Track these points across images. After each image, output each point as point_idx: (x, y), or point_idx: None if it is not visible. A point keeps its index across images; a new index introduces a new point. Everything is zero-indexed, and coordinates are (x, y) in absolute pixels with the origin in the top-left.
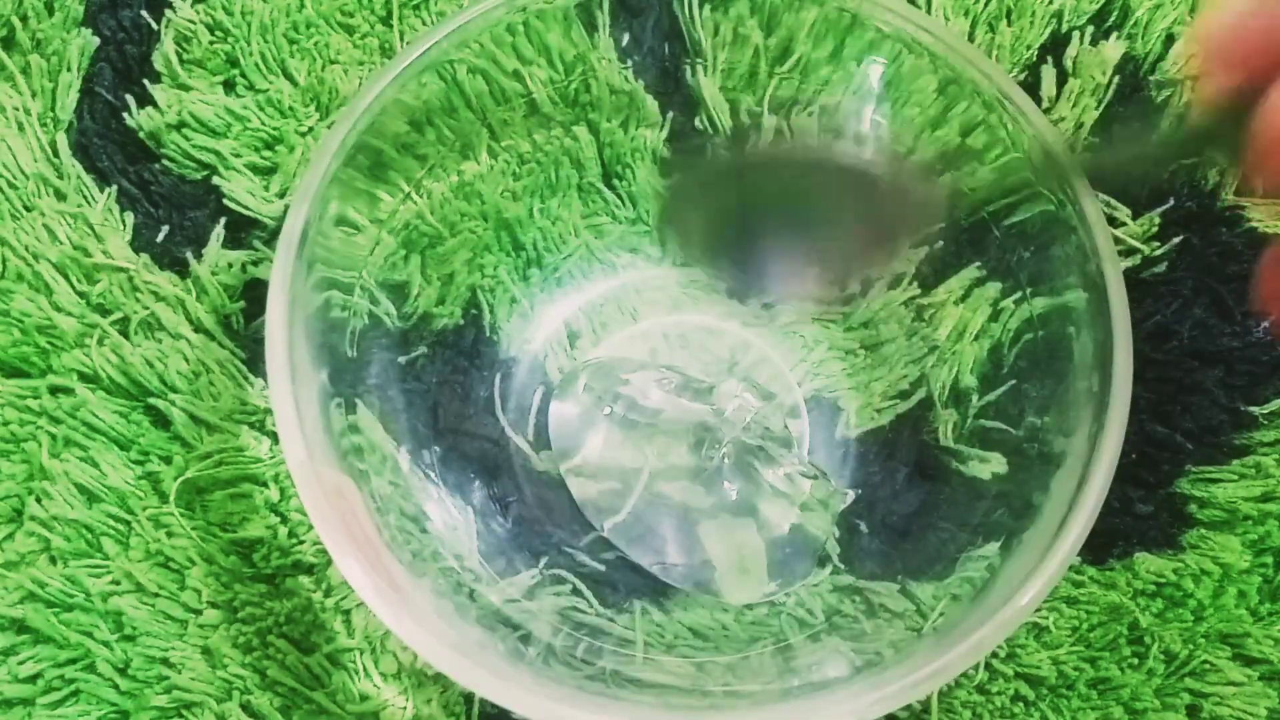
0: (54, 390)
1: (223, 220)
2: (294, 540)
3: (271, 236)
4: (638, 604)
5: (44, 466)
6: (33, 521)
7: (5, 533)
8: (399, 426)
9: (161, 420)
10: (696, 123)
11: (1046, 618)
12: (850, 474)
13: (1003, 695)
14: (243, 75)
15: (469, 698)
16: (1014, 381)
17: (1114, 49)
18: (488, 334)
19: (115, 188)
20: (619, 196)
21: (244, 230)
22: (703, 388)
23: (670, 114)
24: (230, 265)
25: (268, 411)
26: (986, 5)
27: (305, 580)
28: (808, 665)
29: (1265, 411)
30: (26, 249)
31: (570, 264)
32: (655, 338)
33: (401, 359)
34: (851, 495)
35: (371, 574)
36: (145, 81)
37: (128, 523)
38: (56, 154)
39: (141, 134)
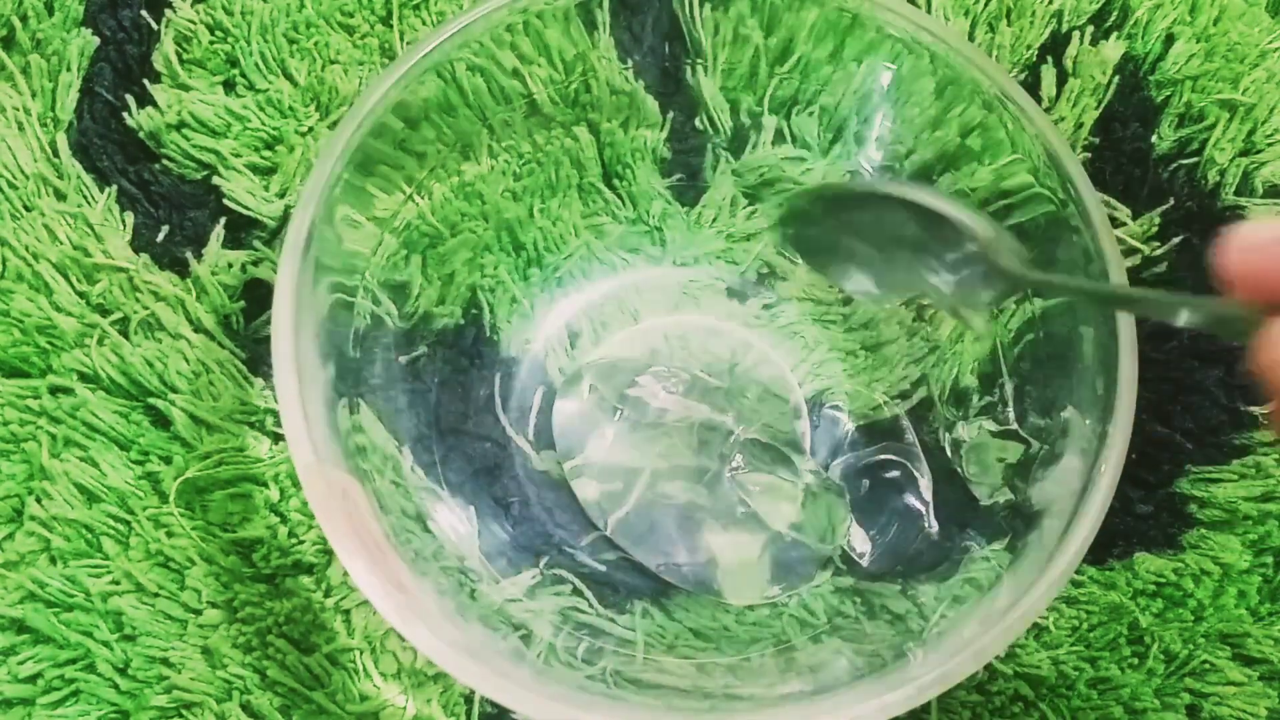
0: (54, 390)
1: (223, 220)
2: (294, 540)
3: (271, 236)
4: (638, 604)
5: (44, 466)
6: (33, 521)
7: (5, 533)
8: (401, 426)
9: (161, 420)
10: (696, 123)
11: (1046, 618)
12: None
13: (1002, 695)
14: (243, 75)
15: (469, 698)
16: (1016, 382)
17: (1114, 49)
18: (488, 334)
19: (115, 188)
20: (619, 196)
21: (244, 230)
22: (712, 388)
23: (670, 114)
24: (230, 265)
25: (268, 412)
26: (986, 5)
27: (305, 580)
28: (809, 667)
29: (1265, 411)
30: (26, 249)
31: (570, 264)
32: (655, 338)
33: (403, 359)
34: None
35: (379, 575)
36: (145, 81)
37: (128, 523)
38: (56, 154)
39: (141, 134)
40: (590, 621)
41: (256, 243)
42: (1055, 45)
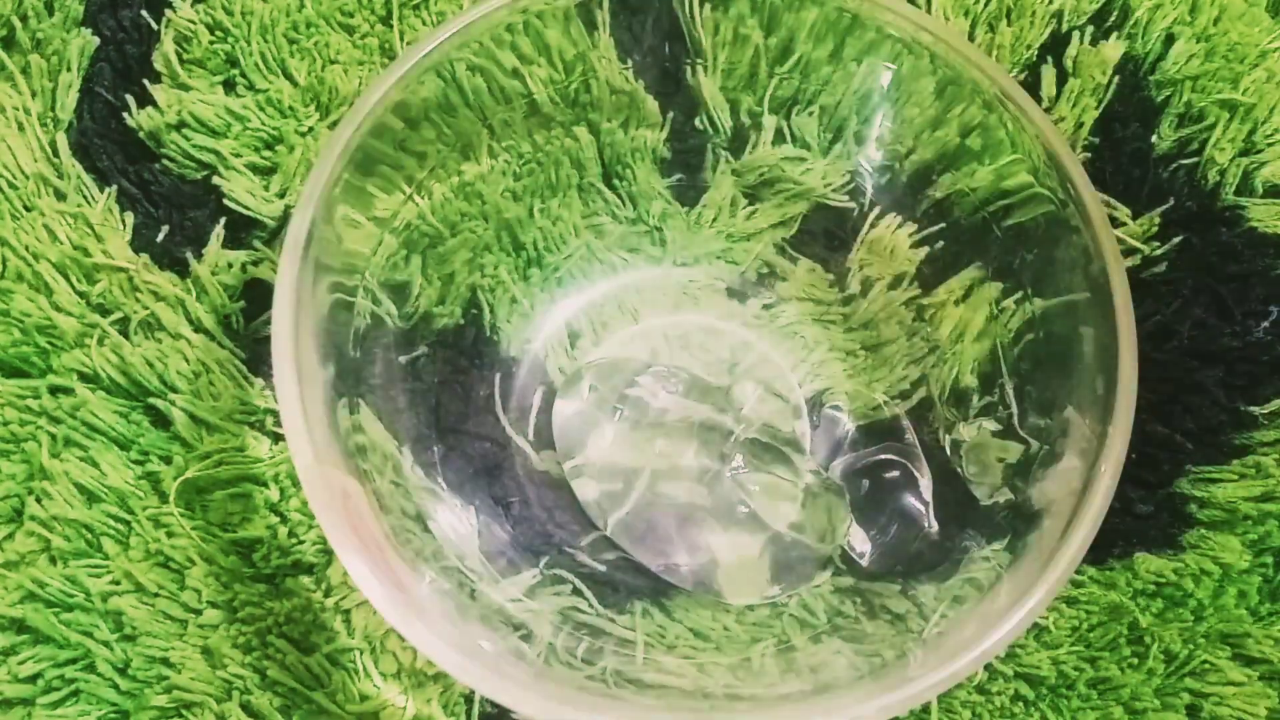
0: (54, 390)
1: (223, 220)
2: (294, 540)
3: (271, 236)
4: (638, 604)
5: (44, 466)
6: (33, 521)
7: (5, 533)
8: (401, 426)
9: (161, 420)
10: (696, 123)
11: (1046, 618)
12: None
13: (1003, 695)
14: (243, 75)
15: (469, 697)
16: (1016, 382)
17: (1114, 49)
18: (488, 333)
19: (115, 188)
20: (619, 196)
21: (244, 230)
22: (712, 388)
23: (670, 114)
24: (230, 265)
25: (268, 411)
26: (986, 5)
27: (305, 580)
28: (809, 667)
29: (1265, 411)
30: (26, 249)
31: (570, 264)
32: (655, 338)
33: (403, 359)
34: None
35: (379, 575)
36: (145, 81)
37: (128, 523)
38: (56, 154)
39: (141, 134)
40: (590, 621)
41: (256, 243)
42: (1055, 45)
